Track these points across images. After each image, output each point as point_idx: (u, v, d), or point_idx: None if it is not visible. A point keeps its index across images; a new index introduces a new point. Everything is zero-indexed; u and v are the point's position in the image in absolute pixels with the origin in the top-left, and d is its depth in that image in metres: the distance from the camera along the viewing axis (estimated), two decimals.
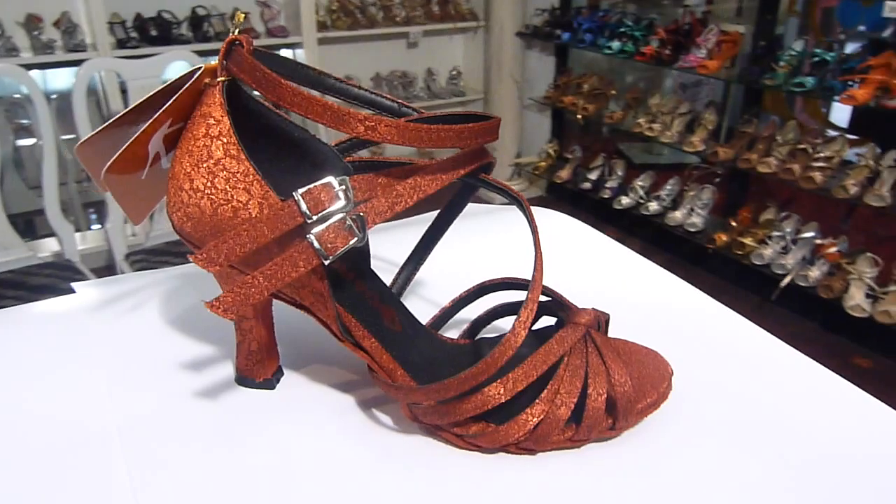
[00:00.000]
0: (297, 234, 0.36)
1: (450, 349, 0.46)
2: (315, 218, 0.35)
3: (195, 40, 2.60)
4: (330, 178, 0.36)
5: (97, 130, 0.39)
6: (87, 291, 0.57)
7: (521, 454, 0.41)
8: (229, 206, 0.37)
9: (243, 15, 0.38)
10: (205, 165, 0.37)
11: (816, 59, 2.18)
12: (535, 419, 0.40)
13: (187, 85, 0.38)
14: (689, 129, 2.55)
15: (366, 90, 0.42)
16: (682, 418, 0.43)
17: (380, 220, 0.36)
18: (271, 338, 0.44)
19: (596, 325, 0.43)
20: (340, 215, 0.35)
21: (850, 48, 2.22)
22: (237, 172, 0.37)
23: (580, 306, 0.44)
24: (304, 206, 0.35)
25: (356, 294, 0.42)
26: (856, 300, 2.02)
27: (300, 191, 0.35)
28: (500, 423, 0.40)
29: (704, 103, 2.68)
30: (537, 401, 0.40)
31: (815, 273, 2.15)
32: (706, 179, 2.58)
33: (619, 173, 2.75)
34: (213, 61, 0.38)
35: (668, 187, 2.60)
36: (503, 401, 0.39)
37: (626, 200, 2.65)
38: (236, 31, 0.38)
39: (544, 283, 0.47)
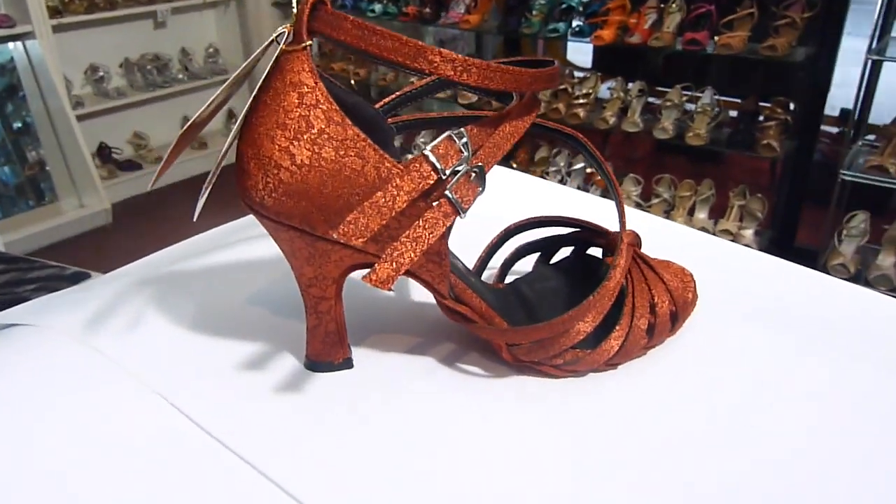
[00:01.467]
0: (430, 194, 0.35)
1: (499, 294, 0.47)
2: (448, 173, 0.35)
3: None
4: (450, 133, 0.35)
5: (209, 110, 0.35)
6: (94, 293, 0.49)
7: (607, 370, 0.44)
8: (342, 175, 0.35)
9: None
10: (306, 137, 0.34)
11: (564, 5, 2.39)
12: (622, 337, 0.43)
13: (257, 53, 0.35)
14: None
15: None
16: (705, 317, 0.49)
17: (489, 168, 0.37)
18: (344, 316, 0.42)
19: (637, 243, 0.47)
20: (465, 167, 0.35)
21: None
22: (345, 139, 0.35)
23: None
24: (437, 163, 0.34)
25: (448, 250, 0.42)
26: None
27: (428, 147, 0.35)
28: (591, 347, 0.43)
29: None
30: (621, 319, 0.43)
31: None
32: None
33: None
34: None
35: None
36: (591, 329, 0.42)
37: None
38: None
39: (570, 215, 0.50)
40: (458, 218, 0.36)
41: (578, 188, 2.46)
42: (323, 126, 0.35)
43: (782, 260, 0.58)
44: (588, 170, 2.52)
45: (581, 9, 2.39)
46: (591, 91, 2.43)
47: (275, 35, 0.35)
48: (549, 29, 2.38)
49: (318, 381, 0.42)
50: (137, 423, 0.39)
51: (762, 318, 0.49)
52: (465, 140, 0.36)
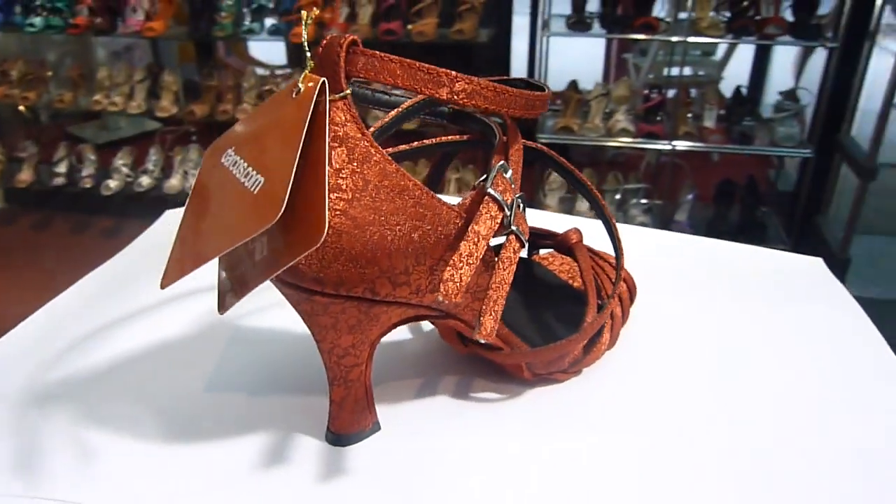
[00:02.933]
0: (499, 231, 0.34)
1: None
2: (509, 209, 0.34)
3: None
4: (498, 167, 0.34)
5: None
6: None
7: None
8: (404, 230, 0.32)
9: (316, 11, 0.31)
10: (365, 195, 0.31)
11: (255, 5, 2.33)
12: (609, 330, 0.46)
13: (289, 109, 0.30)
14: (153, 94, 2.46)
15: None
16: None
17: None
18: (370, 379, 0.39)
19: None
20: (515, 198, 0.35)
21: None
22: (404, 190, 0.32)
23: None
24: (502, 200, 0.33)
25: None
26: None
27: (489, 185, 0.33)
28: (586, 349, 0.45)
29: (145, 66, 2.60)
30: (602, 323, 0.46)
31: None
32: (185, 140, 2.56)
33: (92, 158, 2.52)
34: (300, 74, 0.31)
35: (153, 157, 2.50)
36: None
37: (113, 184, 2.46)
38: (305, 28, 0.32)
39: None
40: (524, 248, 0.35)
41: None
42: (379, 179, 0.31)
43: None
44: None
45: (272, 7, 2.35)
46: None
47: (303, 87, 0.31)
48: (245, 30, 2.30)
49: (353, 454, 0.38)
50: None
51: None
52: (510, 173, 0.35)
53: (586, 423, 0.41)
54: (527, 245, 0.36)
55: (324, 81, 0.30)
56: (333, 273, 0.32)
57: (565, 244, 0.49)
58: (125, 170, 2.48)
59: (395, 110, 0.39)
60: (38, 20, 2.30)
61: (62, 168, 2.51)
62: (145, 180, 2.45)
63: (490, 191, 0.33)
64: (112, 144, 2.63)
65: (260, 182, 0.29)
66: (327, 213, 0.29)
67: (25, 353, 0.47)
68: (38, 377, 0.44)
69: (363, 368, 0.37)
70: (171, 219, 0.70)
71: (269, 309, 0.51)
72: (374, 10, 2.32)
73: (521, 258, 0.52)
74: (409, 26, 2.28)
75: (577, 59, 2.66)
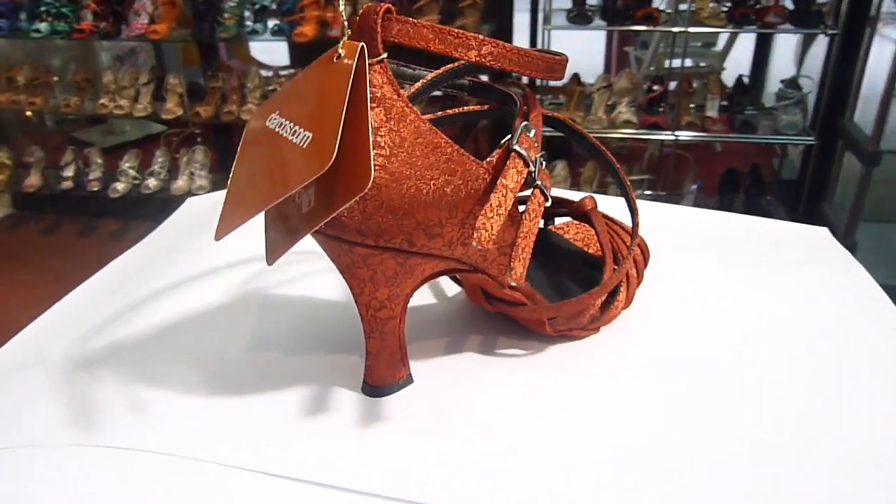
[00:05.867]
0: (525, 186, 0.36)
1: None
2: (534, 165, 0.36)
3: None
4: (522, 126, 0.36)
5: None
6: None
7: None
8: (439, 183, 0.34)
9: None
10: (402, 151, 0.33)
11: (257, 6, 2.35)
12: (625, 290, 0.48)
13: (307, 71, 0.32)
14: (157, 97, 2.49)
15: None
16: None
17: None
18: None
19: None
20: (538, 156, 0.37)
21: None
22: (437, 147, 0.34)
23: None
24: (527, 156, 0.35)
25: None
26: None
27: (515, 143, 0.35)
28: (604, 307, 0.47)
29: (148, 68, 2.63)
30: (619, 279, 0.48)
31: None
32: (190, 142, 2.58)
33: (99, 161, 2.54)
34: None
35: (159, 159, 2.52)
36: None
37: (121, 186, 2.48)
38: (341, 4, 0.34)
39: None
40: (547, 204, 0.37)
41: None
42: (414, 137, 0.33)
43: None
44: None
45: (275, 7, 2.37)
46: None
47: (343, 54, 0.33)
48: (249, 31, 2.32)
49: (389, 404, 0.41)
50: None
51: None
52: (533, 132, 0.37)
53: (605, 372, 0.43)
54: (549, 200, 0.38)
55: (363, 46, 0.33)
56: (374, 224, 0.34)
57: (581, 210, 0.51)
58: (132, 172, 2.50)
59: (421, 81, 0.41)
60: (43, 25, 2.33)
61: (69, 172, 2.53)
62: (152, 182, 2.48)
63: (516, 147, 0.36)
64: (118, 147, 2.66)
65: (308, 137, 0.32)
66: (372, 161, 0.31)
67: (72, 323, 0.49)
68: (85, 344, 0.47)
69: (398, 322, 0.39)
70: (195, 205, 0.72)
71: (300, 279, 0.54)
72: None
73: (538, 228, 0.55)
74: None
75: (579, 53, 2.67)
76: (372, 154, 0.31)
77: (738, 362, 0.44)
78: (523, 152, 0.35)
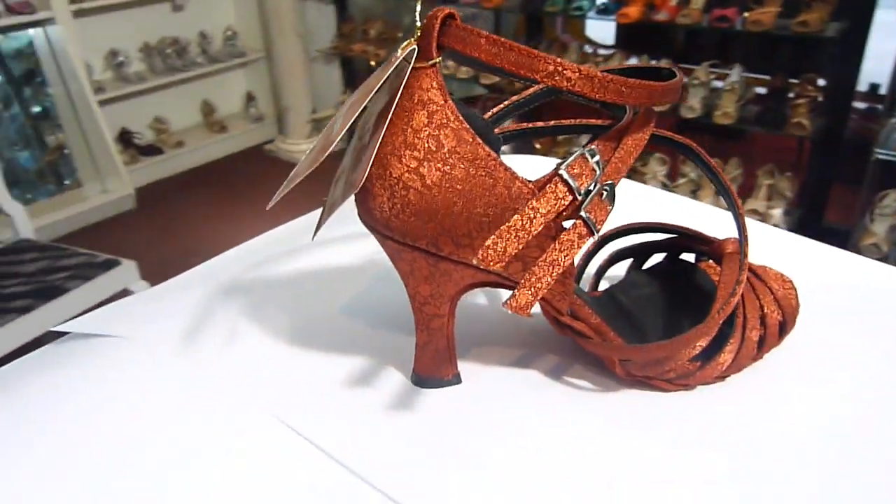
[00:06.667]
0: (561, 215, 0.34)
1: (598, 303, 0.46)
2: (583, 193, 0.34)
3: None
4: (583, 150, 0.34)
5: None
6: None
7: (716, 382, 0.43)
8: (472, 195, 0.34)
9: None
10: (437, 157, 0.33)
11: None
12: (734, 351, 0.42)
13: (391, 70, 0.33)
14: None
15: None
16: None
17: (617, 184, 0.36)
18: (454, 333, 0.41)
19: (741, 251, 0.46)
20: (598, 186, 0.34)
21: None
22: (476, 159, 0.34)
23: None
24: (573, 183, 0.33)
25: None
26: None
27: (563, 166, 0.34)
28: (704, 361, 0.42)
29: None
30: (734, 333, 0.42)
31: None
32: None
33: None
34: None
35: None
36: (706, 345, 0.41)
37: None
38: (419, 5, 0.34)
39: (670, 221, 0.49)
40: (595, 237, 0.35)
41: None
42: (453, 145, 0.33)
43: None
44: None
45: None
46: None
47: (402, 53, 0.34)
48: (574, 7, 2.35)
49: (427, 398, 0.42)
50: (246, 440, 0.39)
51: (863, 321, 0.48)
52: (597, 158, 0.34)
53: (668, 436, 0.39)
54: (597, 236, 0.35)
55: (413, 49, 0.33)
56: (400, 223, 0.35)
57: (718, 252, 0.45)
58: None
59: (505, 102, 0.40)
60: None
61: None
62: None
63: (561, 171, 0.33)
64: None
65: (341, 123, 0.34)
66: (368, 169, 0.32)
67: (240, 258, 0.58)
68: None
69: (444, 321, 0.40)
70: None
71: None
72: None
73: (687, 262, 0.50)
74: (746, 14, 2.13)
75: None
76: (372, 158, 0.32)
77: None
78: (567, 177, 0.33)
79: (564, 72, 0.32)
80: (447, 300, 0.39)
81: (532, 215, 0.33)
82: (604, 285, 0.50)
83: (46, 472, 0.37)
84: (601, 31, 3.15)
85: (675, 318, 0.45)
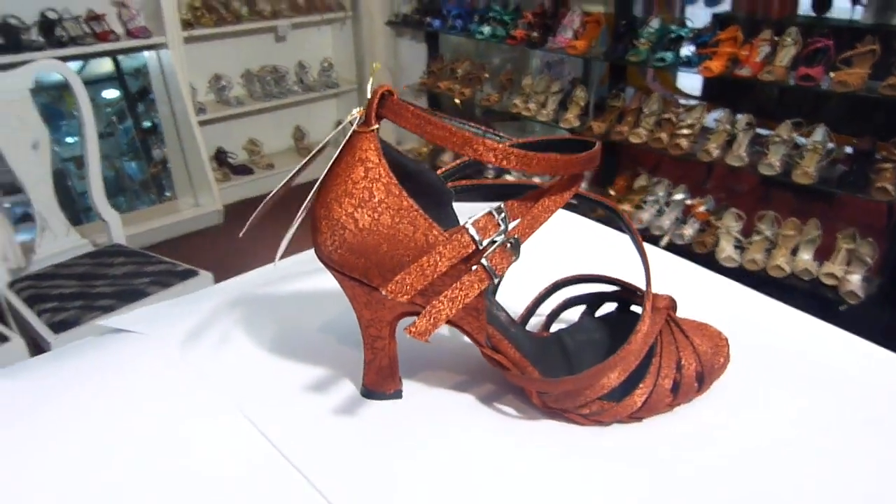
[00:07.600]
0: (469, 260, 0.40)
1: (541, 342, 0.52)
2: (485, 244, 0.40)
3: (48, 46, 2.43)
4: (490, 209, 0.40)
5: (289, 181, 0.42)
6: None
7: (630, 422, 0.48)
8: (396, 239, 0.41)
9: (378, 65, 0.42)
10: (368, 206, 0.40)
11: (673, 35, 2.38)
12: (646, 394, 0.47)
13: (333, 134, 0.41)
14: (562, 106, 2.70)
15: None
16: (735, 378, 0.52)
17: (525, 239, 0.42)
18: (397, 353, 0.48)
19: (672, 306, 0.51)
20: (502, 238, 0.40)
21: (698, 23, 2.44)
22: (401, 209, 0.40)
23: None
24: (476, 235, 0.40)
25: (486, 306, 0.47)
26: (726, 252, 2.26)
27: (470, 221, 0.40)
28: (617, 400, 0.47)
29: (569, 80, 2.85)
30: (646, 377, 0.47)
31: (688, 231, 2.37)
32: None
33: None
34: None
35: None
36: (616, 384, 0.46)
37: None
38: (371, 79, 0.42)
39: (609, 274, 0.54)
40: (493, 282, 0.41)
41: (676, 219, 2.44)
42: (382, 197, 0.40)
43: (838, 329, 0.59)
44: (687, 201, 2.49)
45: (691, 37, 2.38)
46: (695, 122, 2.40)
47: (349, 118, 0.41)
48: (657, 58, 2.37)
49: (371, 408, 0.48)
50: (212, 434, 0.46)
51: (802, 384, 0.51)
52: (503, 215, 0.41)
53: (574, 462, 0.44)
54: (496, 281, 0.41)
55: (359, 114, 0.41)
56: (338, 257, 0.42)
57: (654, 305, 0.50)
58: None
59: (450, 165, 0.48)
60: (486, 29, 2.70)
61: None
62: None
63: (467, 225, 0.40)
64: None
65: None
66: (299, 218, 0.40)
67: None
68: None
69: (386, 342, 0.46)
70: None
71: None
72: (797, 51, 2.19)
73: (634, 314, 0.54)
74: (832, 74, 2.10)
75: None
76: (305, 207, 0.39)
77: None
78: (471, 229, 0.40)
79: (473, 145, 0.39)
80: (386, 324, 0.46)
81: (438, 259, 0.39)
82: (557, 327, 0.55)
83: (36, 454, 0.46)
84: (694, 81, 3.16)
85: (598, 356, 0.50)
